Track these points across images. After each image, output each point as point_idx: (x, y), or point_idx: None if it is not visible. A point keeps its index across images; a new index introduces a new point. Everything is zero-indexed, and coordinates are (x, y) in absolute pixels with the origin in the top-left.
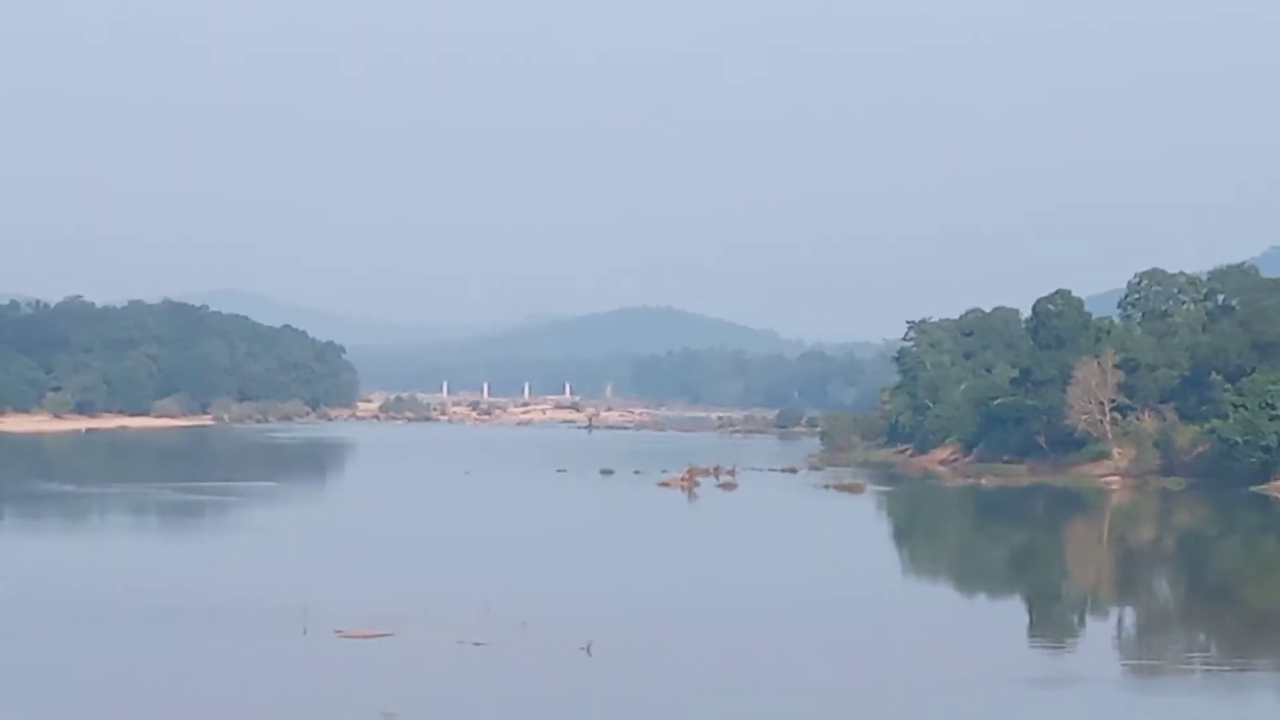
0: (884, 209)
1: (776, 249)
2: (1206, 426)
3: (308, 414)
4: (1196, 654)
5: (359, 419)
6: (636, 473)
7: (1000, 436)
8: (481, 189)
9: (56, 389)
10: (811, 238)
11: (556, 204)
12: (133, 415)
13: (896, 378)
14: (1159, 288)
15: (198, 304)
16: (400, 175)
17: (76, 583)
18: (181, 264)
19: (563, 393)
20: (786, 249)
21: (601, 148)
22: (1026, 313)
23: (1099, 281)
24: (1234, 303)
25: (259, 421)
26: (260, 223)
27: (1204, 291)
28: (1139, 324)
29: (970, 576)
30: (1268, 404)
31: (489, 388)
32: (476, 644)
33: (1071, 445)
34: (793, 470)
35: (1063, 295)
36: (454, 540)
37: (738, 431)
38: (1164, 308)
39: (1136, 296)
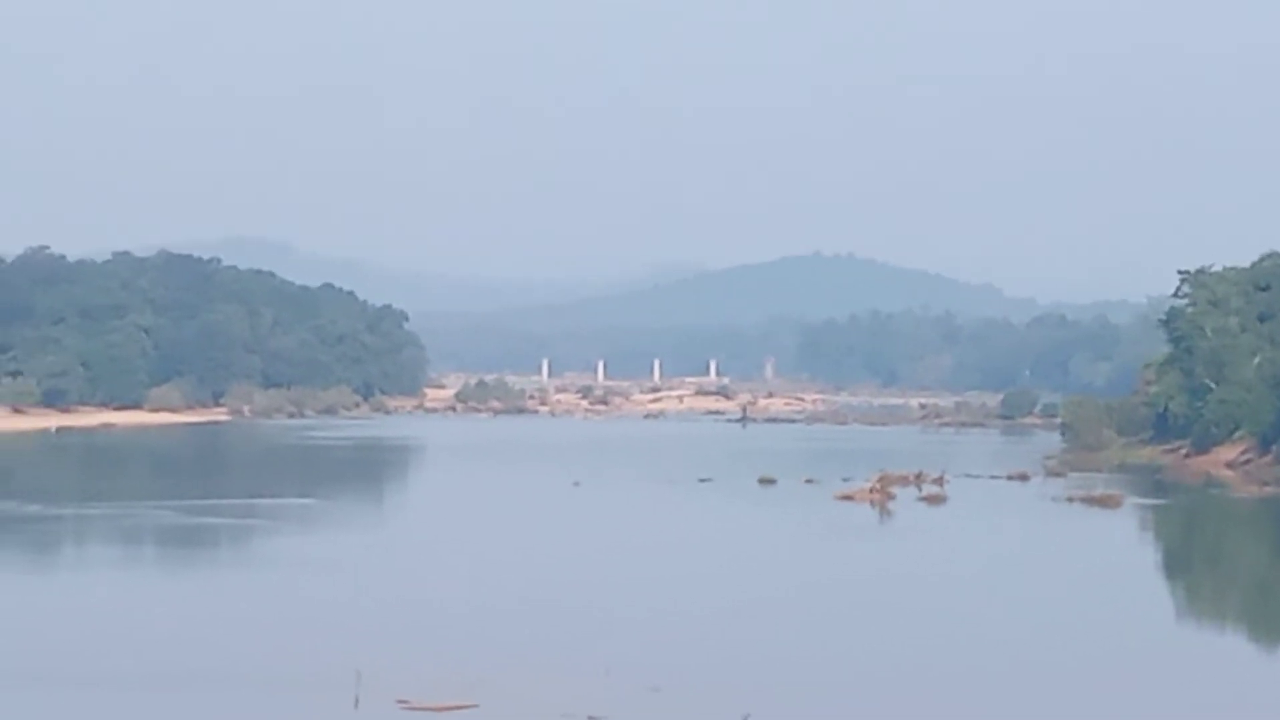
0: (1137, 117)
1: (995, 177)
2: None
3: (358, 405)
4: None
5: (428, 411)
6: (808, 482)
7: None
8: (585, 92)
9: (15, 374)
10: (1044, 159)
11: (694, 116)
12: (120, 409)
13: (1165, 349)
14: None
15: (205, 256)
16: (473, 74)
17: (56, 639)
18: (182, 204)
19: (706, 373)
20: (1008, 176)
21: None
22: None
23: None
24: None
25: (292, 416)
26: (286, 147)
27: None
28: None
29: (1272, 624)
30: None
31: (605, 367)
32: (592, 717)
33: None
34: (1023, 477)
35: None
36: (556, 579)
37: (947, 424)
38: None
39: None
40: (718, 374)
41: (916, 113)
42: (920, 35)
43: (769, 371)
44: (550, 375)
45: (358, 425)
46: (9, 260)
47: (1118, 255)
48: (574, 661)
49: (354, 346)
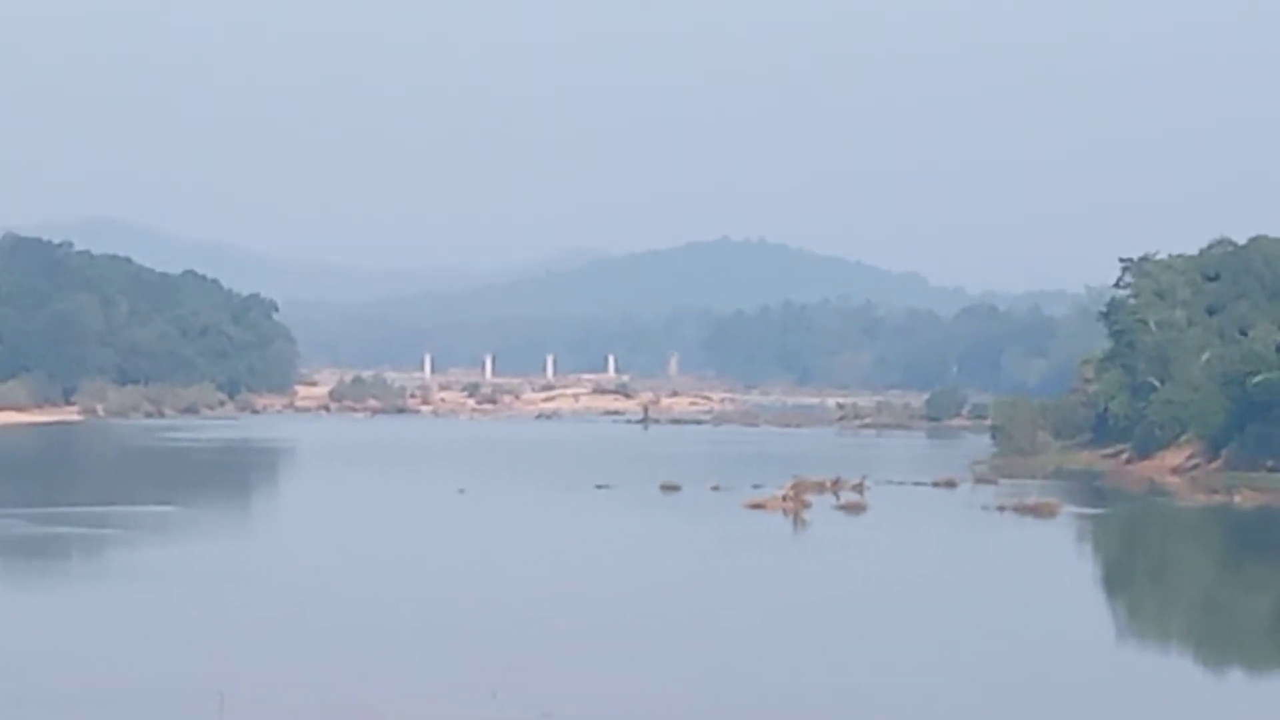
0: (1078, 89)
1: (919, 156)
2: None
3: (223, 404)
4: None
5: (300, 410)
6: (715, 489)
7: (1262, 432)
8: (473, 69)
9: None
10: (971, 135)
11: (591, 93)
12: None
13: (1105, 344)
14: None
15: (56, 240)
16: (350, 41)
17: None
18: (33, 184)
19: (604, 370)
20: (933, 155)
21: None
22: None
23: None
24: None
25: (150, 416)
26: (147, 121)
27: None
28: None
29: (1220, 645)
30: None
31: (493, 363)
32: None
33: None
34: (950, 484)
35: None
36: (436, 595)
37: (867, 426)
38: None
39: None
40: (617, 370)
41: (832, 90)
42: (836, 10)
43: (673, 368)
44: (433, 371)
45: (222, 426)
46: None
47: (1053, 241)
48: (457, 684)
49: (218, 339)
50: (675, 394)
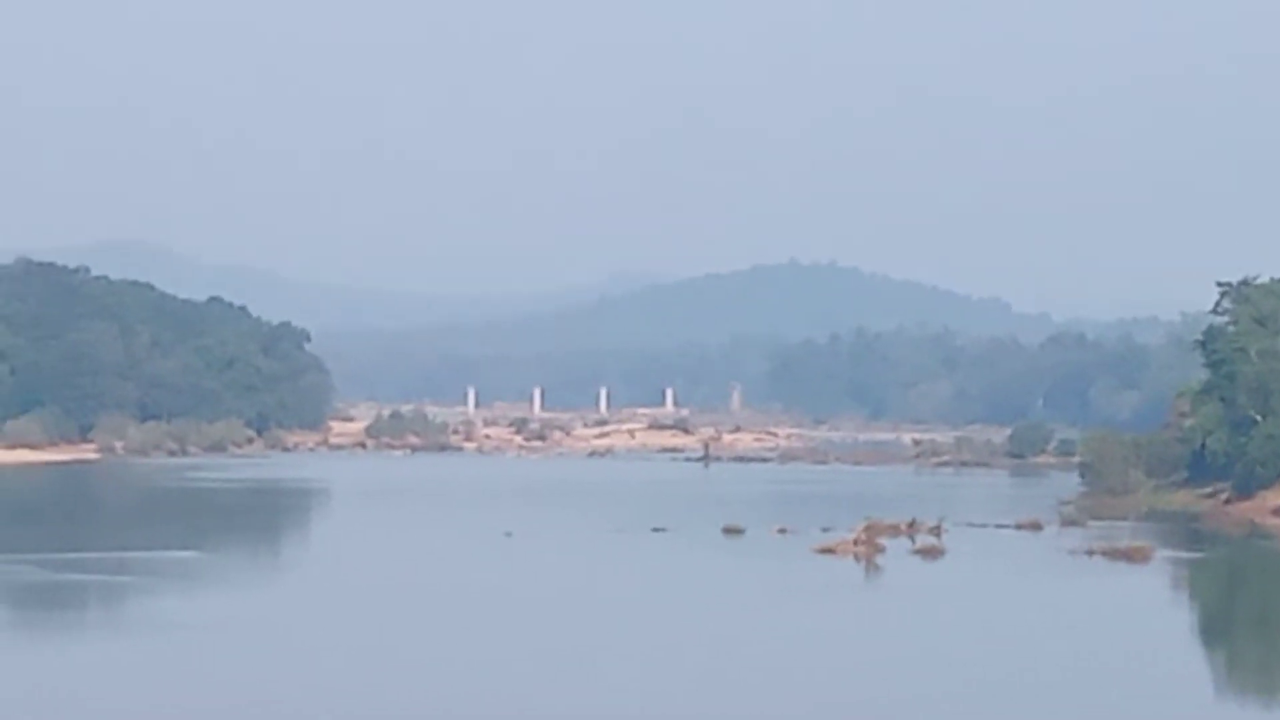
0: (1171, 96)
1: (1001, 176)
2: None
3: (251, 441)
4: None
5: (334, 448)
6: (781, 532)
7: None
8: (524, 88)
9: None
10: (1055, 149)
11: (648, 107)
12: None
13: (1202, 375)
14: None
15: (72, 265)
16: (383, 59)
17: None
18: (47, 206)
19: (662, 404)
20: (1016, 175)
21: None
22: None
23: None
24: None
25: (172, 454)
26: (166, 138)
27: None
28: None
29: None
30: None
31: (542, 396)
32: None
33: None
34: (1035, 526)
35: None
36: (477, 653)
37: (945, 464)
38: None
39: None
40: (675, 404)
41: (909, 105)
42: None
43: (735, 401)
44: (478, 406)
45: (250, 464)
46: None
47: (1146, 264)
48: None
49: (246, 371)
50: (738, 430)
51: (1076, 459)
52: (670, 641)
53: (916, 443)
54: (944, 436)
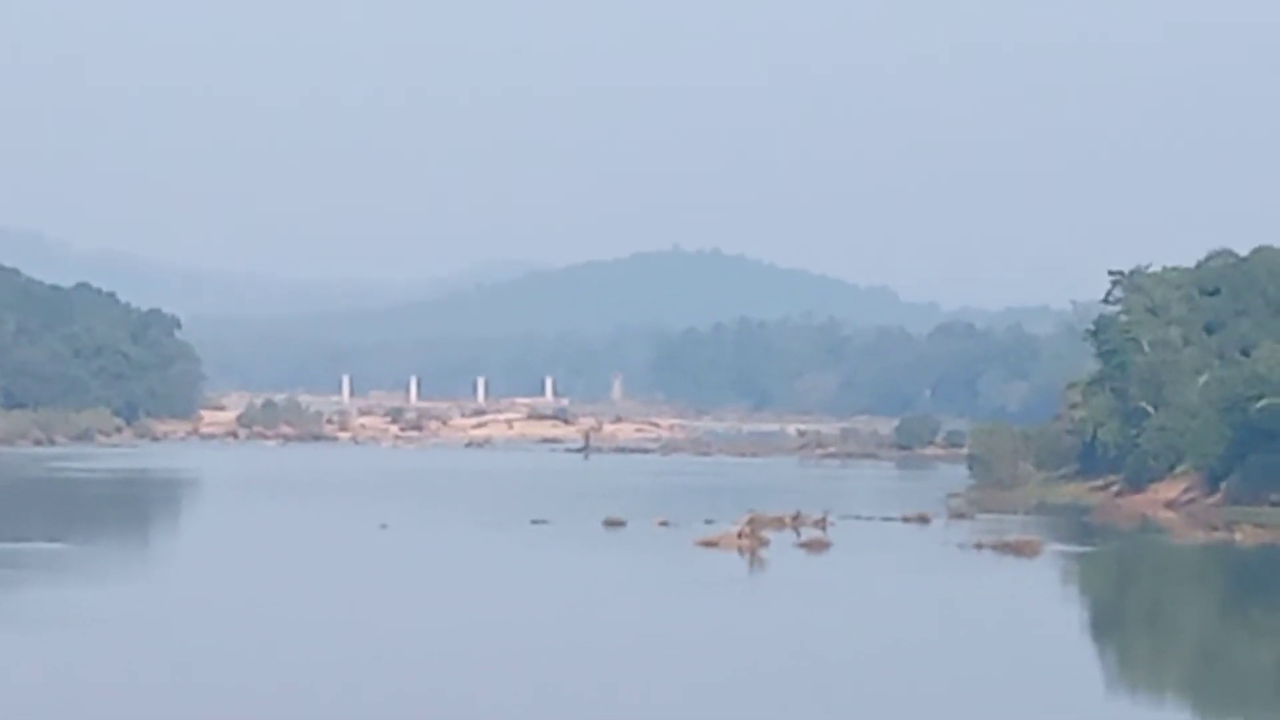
0: (1063, 90)
1: (888, 163)
2: None
3: (119, 430)
4: None
5: (205, 437)
6: (663, 524)
7: (1266, 462)
8: (401, 72)
9: None
10: (946, 139)
11: (530, 92)
12: None
13: (1093, 365)
14: None
15: None
16: (253, 46)
17: None
18: None
19: (542, 393)
20: (905, 162)
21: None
22: None
23: None
24: None
25: (39, 443)
26: (34, 122)
27: None
28: None
29: (1219, 698)
30: None
31: (419, 386)
32: None
33: None
34: (923, 519)
35: None
36: (348, 648)
37: (831, 456)
38: None
39: None
40: (555, 394)
41: (797, 91)
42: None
43: (617, 391)
44: (353, 395)
45: (119, 454)
46: None
47: (1036, 253)
48: None
49: (115, 359)
50: (619, 420)
51: (965, 451)
52: (547, 636)
53: (801, 434)
54: (830, 428)
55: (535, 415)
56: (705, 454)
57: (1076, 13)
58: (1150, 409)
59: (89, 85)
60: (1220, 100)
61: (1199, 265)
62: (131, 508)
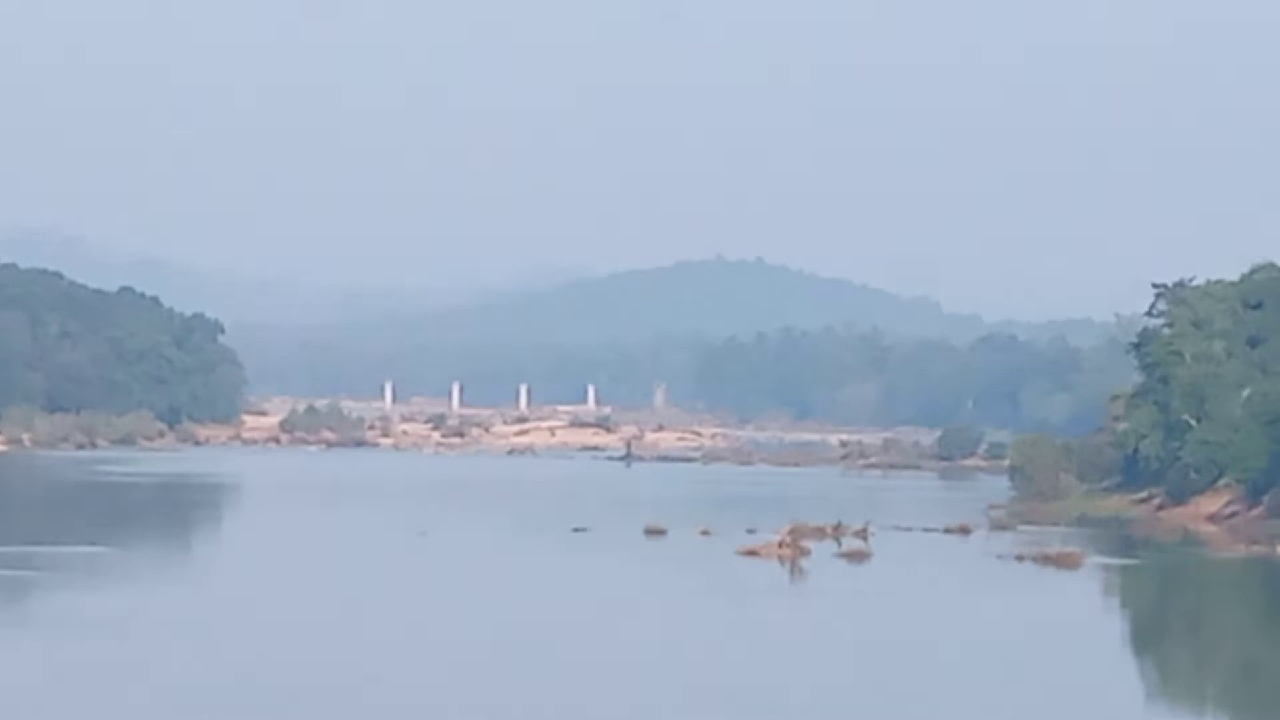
0: (1108, 101)
1: (933, 173)
2: None
3: (162, 434)
4: None
5: (247, 442)
6: (704, 534)
7: None
8: (441, 75)
9: None
10: (990, 149)
11: (573, 99)
12: None
13: (1136, 378)
14: None
15: None
16: (303, 49)
17: None
18: None
19: (584, 401)
20: (949, 172)
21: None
22: None
23: None
24: None
25: (81, 447)
26: (79, 125)
27: None
28: None
29: (1260, 712)
30: None
31: (461, 392)
32: None
33: None
34: (964, 531)
35: None
36: (386, 653)
37: (873, 466)
38: None
39: None
40: (597, 402)
41: (837, 101)
42: (840, 19)
43: (659, 400)
44: (395, 401)
45: (161, 459)
46: None
47: (1080, 265)
48: None
49: (157, 364)
50: (661, 429)
51: (1007, 462)
52: (587, 644)
53: (843, 444)
54: (871, 438)
55: (577, 423)
56: (747, 463)
57: (1117, 13)
58: (1193, 422)
59: (133, 89)
60: (1271, 111)
61: (1243, 279)
62: (173, 512)
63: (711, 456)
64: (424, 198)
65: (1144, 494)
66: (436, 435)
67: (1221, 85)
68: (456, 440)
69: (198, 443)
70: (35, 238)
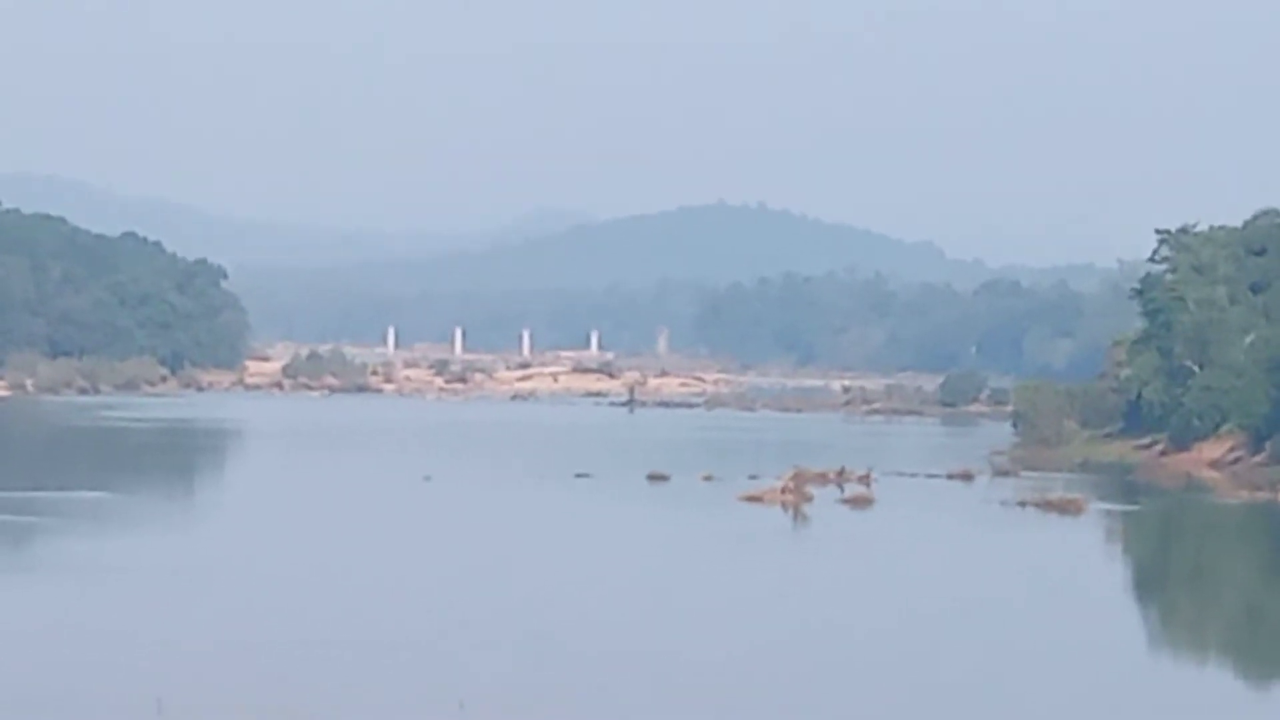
0: (1109, 45)
1: (936, 117)
2: None
3: (164, 380)
4: None
5: (250, 388)
6: (707, 479)
7: None
8: (444, 21)
9: None
10: (993, 94)
11: (575, 46)
12: None
13: (1139, 324)
14: None
15: None
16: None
17: None
18: None
19: (587, 346)
20: (952, 116)
21: None
22: None
23: None
24: None
25: (84, 392)
26: (78, 67)
27: None
28: None
29: (1263, 657)
30: None
31: (464, 337)
32: None
33: None
34: (967, 476)
35: None
36: (394, 594)
37: (876, 412)
38: None
39: None
40: (599, 348)
41: (840, 42)
42: None
43: (661, 345)
44: (397, 346)
45: (164, 404)
46: None
47: (1082, 210)
48: (415, 692)
49: (160, 309)
50: (664, 374)
51: (1009, 408)
52: (585, 583)
53: (846, 390)
54: (874, 384)
55: (580, 369)
56: (750, 409)
57: None
58: (1196, 368)
59: (137, 33)
60: (1274, 57)
61: (1246, 224)
62: (175, 457)
63: (714, 402)
64: (426, 144)
65: (1147, 440)
66: (439, 381)
67: (1225, 29)
68: (459, 385)
69: (200, 388)
70: (37, 183)
